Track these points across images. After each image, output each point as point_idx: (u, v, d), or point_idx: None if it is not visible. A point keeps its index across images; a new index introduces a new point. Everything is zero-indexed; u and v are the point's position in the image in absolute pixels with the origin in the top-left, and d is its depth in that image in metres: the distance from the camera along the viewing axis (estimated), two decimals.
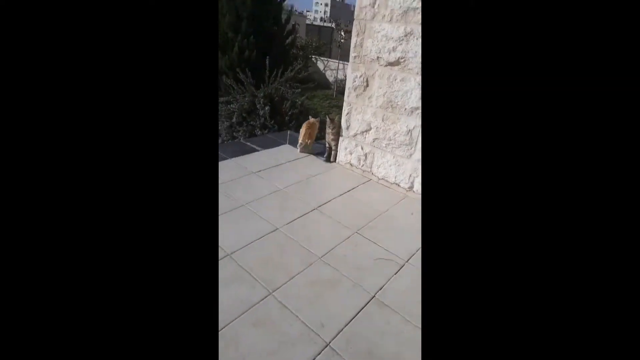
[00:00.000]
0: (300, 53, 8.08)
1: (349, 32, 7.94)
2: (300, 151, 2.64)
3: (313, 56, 8.85)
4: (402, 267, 1.52)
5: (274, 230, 1.65)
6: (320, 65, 9.10)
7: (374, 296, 1.33)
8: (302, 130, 2.63)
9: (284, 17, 6.03)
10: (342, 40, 8.51)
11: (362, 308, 1.27)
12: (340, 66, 8.32)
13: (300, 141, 2.62)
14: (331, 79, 8.78)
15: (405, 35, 1.93)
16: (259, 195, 1.96)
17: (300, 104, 3.93)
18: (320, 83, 8.48)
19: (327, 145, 2.53)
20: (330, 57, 9.37)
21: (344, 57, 8.57)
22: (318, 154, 2.63)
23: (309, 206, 1.91)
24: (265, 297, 1.26)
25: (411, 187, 2.15)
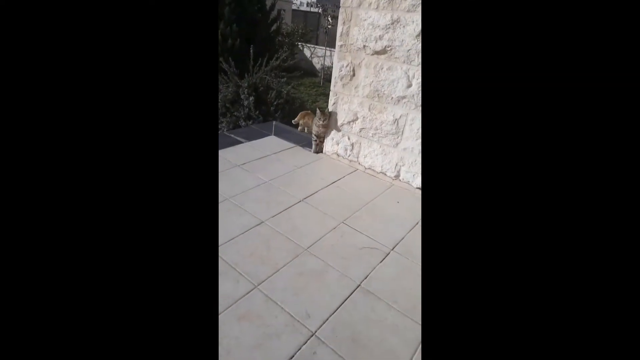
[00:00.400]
0: (286, 40, 7.92)
1: (336, 18, 7.79)
2: (300, 131, 2.74)
3: (299, 43, 8.68)
4: (387, 255, 1.54)
5: (260, 224, 1.64)
6: (307, 52, 8.95)
7: (360, 285, 1.35)
8: (298, 117, 2.72)
9: (268, 2, 5.86)
10: (329, 26, 8.36)
11: (348, 297, 1.29)
12: (328, 53, 8.19)
13: (295, 119, 2.71)
14: (318, 66, 8.66)
15: (392, 23, 1.90)
16: (244, 188, 1.93)
17: (286, 93, 3.87)
18: (307, 71, 8.36)
19: (314, 135, 2.51)
20: (317, 44, 9.21)
21: (331, 43, 8.44)
22: (305, 145, 2.61)
23: (295, 198, 1.90)
24: (250, 290, 1.25)
25: (397, 176, 2.17)
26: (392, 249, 1.58)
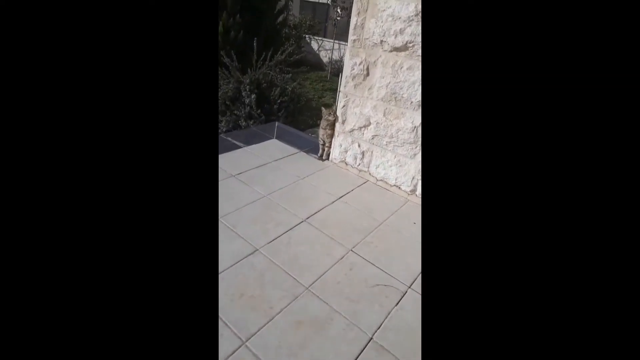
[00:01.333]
0: (293, 32, 7.58)
1: (345, 10, 7.44)
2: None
3: (307, 36, 8.35)
4: (404, 295, 1.28)
5: (253, 252, 1.39)
6: (314, 45, 8.63)
7: (372, 338, 1.10)
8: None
9: None
10: (338, 18, 8.03)
11: (358, 356, 1.04)
12: (336, 46, 7.88)
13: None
14: (325, 60, 8.35)
15: (416, 15, 1.61)
16: (238, 205, 1.68)
17: (290, 90, 3.58)
18: (313, 64, 8.07)
19: (320, 141, 2.24)
20: (325, 37, 8.88)
21: (340, 36, 8.10)
22: (309, 150, 2.34)
23: (297, 217, 1.64)
24: (236, 349, 1.00)
25: (414, 191, 1.90)
26: (410, 287, 1.32)
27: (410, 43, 1.68)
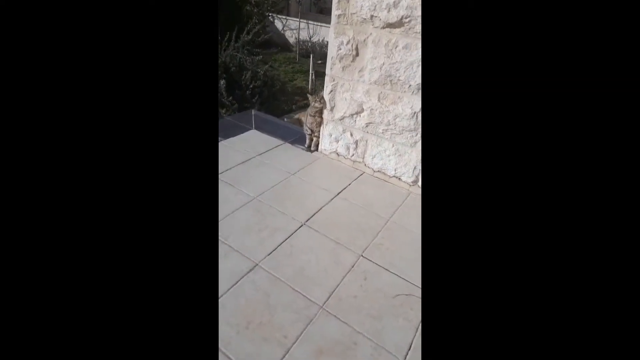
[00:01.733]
0: (255, 10, 7.06)
1: None
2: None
3: (270, 14, 7.84)
4: None
5: (253, 268, 1.20)
6: (279, 24, 8.14)
7: None
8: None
9: None
10: None
11: None
12: (302, 25, 7.48)
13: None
14: (292, 40, 7.93)
15: None
16: (227, 210, 1.46)
17: (263, 73, 3.29)
18: (280, 45, 7.64)
19: (306, 130, 2.04)
20: (288, 15, 8.41)
21: (305, 15, 7.69)
22: (295, 141, 2.14)
23: (295, 221, 1.46)
24: None
25: (415, 182, 1.78)
26: None
27: (406, 18, 1.50)
